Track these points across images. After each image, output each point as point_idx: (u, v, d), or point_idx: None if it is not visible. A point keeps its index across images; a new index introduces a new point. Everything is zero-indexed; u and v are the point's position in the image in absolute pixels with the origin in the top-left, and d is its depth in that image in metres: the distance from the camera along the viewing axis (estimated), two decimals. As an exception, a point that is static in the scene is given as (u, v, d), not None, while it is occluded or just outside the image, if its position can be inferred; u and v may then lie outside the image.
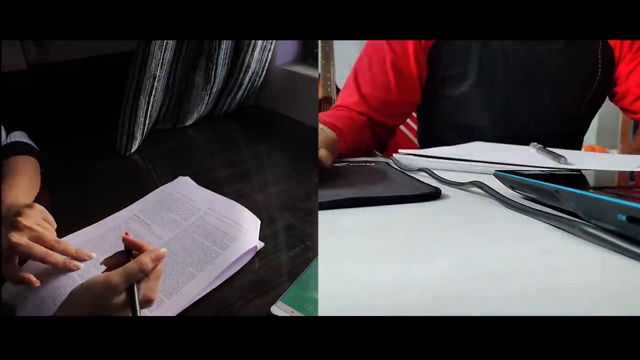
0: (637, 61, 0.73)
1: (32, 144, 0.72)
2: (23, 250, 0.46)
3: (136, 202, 0.65)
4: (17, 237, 0.46)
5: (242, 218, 0.58)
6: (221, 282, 0.51)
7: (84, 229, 0.60)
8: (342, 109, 0.79)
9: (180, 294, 0.48)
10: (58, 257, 0.48)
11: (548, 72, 0.77)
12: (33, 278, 0.47)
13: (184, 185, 0.69)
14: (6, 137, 0.70)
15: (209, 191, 0.66)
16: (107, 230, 0.60)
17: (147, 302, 0.40)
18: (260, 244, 0.56)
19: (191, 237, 0.57)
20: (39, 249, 0.47)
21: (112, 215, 0.63)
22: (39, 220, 0.50)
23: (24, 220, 0.48)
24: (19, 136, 0.71)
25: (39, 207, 0.51)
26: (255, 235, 0.56)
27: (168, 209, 0.63)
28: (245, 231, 0.56)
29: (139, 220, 0.62)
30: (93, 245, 0.56)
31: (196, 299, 0.48)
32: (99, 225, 0.61)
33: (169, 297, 0.48)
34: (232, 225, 0.57)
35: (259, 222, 0.58)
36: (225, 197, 0.64)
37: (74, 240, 0.56)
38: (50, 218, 0.53)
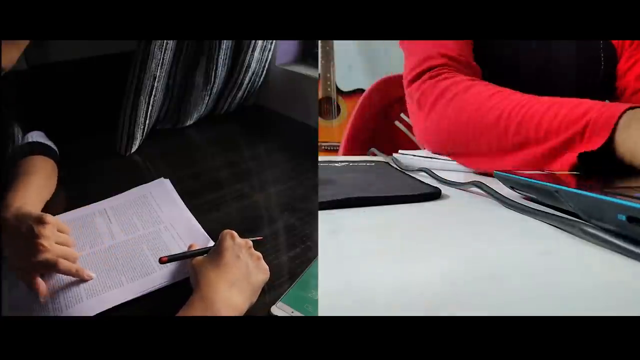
0: (635, 58, 0.75)
1: (52, 144, 0.71)
2: (46, 270, 0.49)
3: (112, 197, 0.66)
4: (41, 258, 0.48)
5: (195, 245, 0.56)
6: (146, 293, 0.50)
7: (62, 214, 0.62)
8: (453, 61, 0.66)
9: (100, 298, 0.49)
10: (72, 266, 0.51)
11: (554, 69, 0.77)
12: (44, 288, 0.48)
13: (162, 189, 0.69)
14: (23, 136, 0.70)
15: (180, 203, 0.66)
16: (75, 217, 0.62)
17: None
18: None
19: (140, 246, 0.57)
20: (63, 266, 0.49)
21: (86, 206, 0.64)
22: (55, 234, 0.51)
23: (44, 242, 0.48)
24: (37, 136, 0.70)
25: (51, 219, 0.50)
26: None
27: (135, 212, 0.64)
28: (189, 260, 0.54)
29: (105, 215, 0.63)
30: None
31: (114, 305, 0.48)
32: (67, 214, 0.62)
33: (89, 297, 0.49)
34: (182, 249, 0.56)
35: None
36: (191, 217, 0.63)
37: None
38: (62, 226, 0.54)
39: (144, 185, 0.70)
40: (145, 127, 0.86)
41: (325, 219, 0.34)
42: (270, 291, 0.49)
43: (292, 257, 0.56)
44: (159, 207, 0.65)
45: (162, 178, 0.72)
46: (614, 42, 0.77)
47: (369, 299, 0.21)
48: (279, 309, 0.46)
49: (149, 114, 0.84)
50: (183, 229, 0.60)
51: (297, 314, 0.46)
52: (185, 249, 0.55)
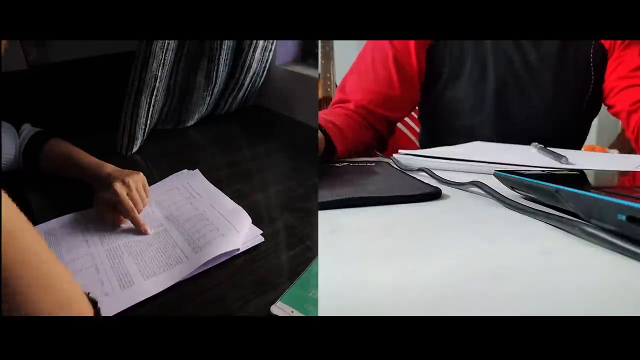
0: (620, 59, 0.75)
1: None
2: (118, 198, 0.58)
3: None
4: (119, 187, 0.59)
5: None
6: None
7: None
8: (341, 106, 0.78)
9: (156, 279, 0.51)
10: (139, 217, 0.59)
11: (544, 76, 0.78)
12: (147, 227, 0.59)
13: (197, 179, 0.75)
14: (18, 131, 0.73)
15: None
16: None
17: None
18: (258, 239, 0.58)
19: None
20: (128, 202, 0.59)
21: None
22: (139, 185, 0.62)
23: (130, 180, 0.60)
24: (30, 127, 0.75)
25: (142, 176, 0.63)
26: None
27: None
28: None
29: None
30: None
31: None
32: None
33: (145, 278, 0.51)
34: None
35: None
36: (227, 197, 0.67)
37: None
38: (147, 187, 0.64)
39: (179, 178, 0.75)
40: (147, 128, 0.86)
41: (325, 219, 0.34)
42: (270, 291, 0.49)
43: (292, 256, 0.56)
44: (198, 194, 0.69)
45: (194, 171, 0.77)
46: (606, 45, 0.77)
47: (369, 299, 0.21)
48: (279, 309, 0.46)
49: (150, 114, 0.84)
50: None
51: (297, 313, 0.46)
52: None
